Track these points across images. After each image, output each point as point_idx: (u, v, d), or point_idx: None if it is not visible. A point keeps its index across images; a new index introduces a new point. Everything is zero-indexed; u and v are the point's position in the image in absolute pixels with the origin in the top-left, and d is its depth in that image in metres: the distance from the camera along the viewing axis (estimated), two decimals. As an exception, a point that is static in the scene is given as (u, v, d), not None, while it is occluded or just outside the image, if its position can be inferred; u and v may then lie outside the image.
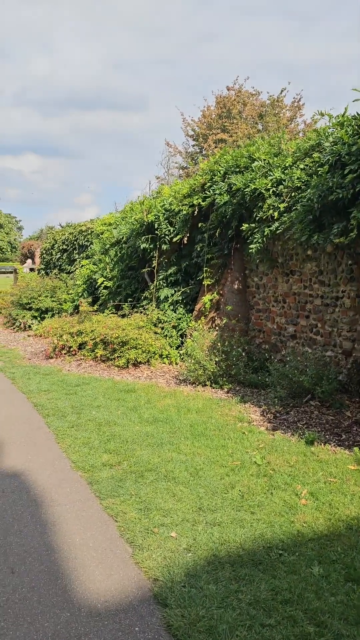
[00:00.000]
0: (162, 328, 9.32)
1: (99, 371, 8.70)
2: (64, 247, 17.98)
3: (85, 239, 15.96)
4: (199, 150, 34.75)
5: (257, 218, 7.33)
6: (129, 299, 10.90)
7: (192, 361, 7.58)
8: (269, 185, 7.14)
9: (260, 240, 7.23)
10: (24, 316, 13.52)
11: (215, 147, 31.98)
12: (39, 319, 13.68)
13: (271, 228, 6.95)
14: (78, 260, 16.41)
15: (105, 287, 11.66)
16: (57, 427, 5.89)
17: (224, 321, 8.28)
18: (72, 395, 7.17)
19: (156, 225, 9.52)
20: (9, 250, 27.14)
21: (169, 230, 9.45)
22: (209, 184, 8.45)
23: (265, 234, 7.10)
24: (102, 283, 11.60)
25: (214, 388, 7.36)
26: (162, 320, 9.35)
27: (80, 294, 12.96)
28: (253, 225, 7.45)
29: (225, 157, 8.36)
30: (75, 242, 16.88)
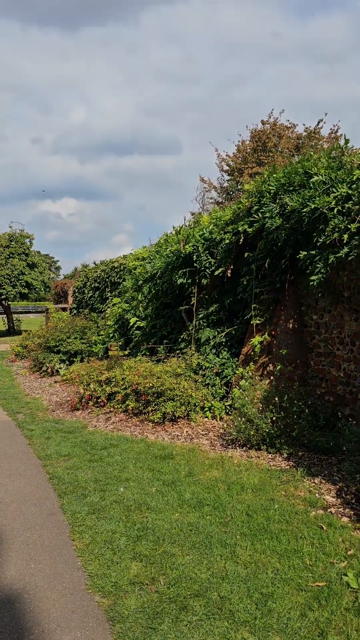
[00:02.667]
0: (204, 375, 7.99)
1: (130, 427, 7.39)
2: (96, 284, 17.04)
3: (118, 276, 14.96)
4: (235, 184, 34.04)
5: (317, 244, 6.03)
6: (165, 341, 9.65)
7: (243, 419, 6.19)
8: (333, 203, 5.86)
9: (323, 270, 5.90)
10: (52, 360, 12.44)
11: (251, 180, 31.12)
12: (67, 362, 12.57)
13: (339, 254, 5.62)
14: (110, 298, 15.40)
15: (138, 328, 10.47)
16: (74, 512, 4.57)
17: (279, 367, 6.90)
18: (97, 463, 5.87)
19: (195, 257, 8.32)
20: (42, 289, 26.47)
21: (210, 263, 8.23)
22: (256, 207, 7.23)
23: (330, 261, 5.77)
24: (134, 323, 10.42)
25: (270, 453, 5.93)
26: (203, 367, 8.03)
27: (111, 336, 11.81)
28: (313, 252, 6.14)
29: (275, 175, 7.15)
30: (107, 280, 15.90)
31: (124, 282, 13.05)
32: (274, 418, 5.93)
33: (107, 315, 12.72)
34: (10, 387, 11.39)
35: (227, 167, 34.14)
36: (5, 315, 28.09)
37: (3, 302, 26.24)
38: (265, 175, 7.35)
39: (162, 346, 9.48)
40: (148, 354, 9.76)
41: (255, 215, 7.15)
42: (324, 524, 4.11)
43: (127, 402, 7.92)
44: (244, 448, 6.18)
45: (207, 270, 8.27)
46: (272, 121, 33.18)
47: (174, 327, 9.87)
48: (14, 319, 28.19)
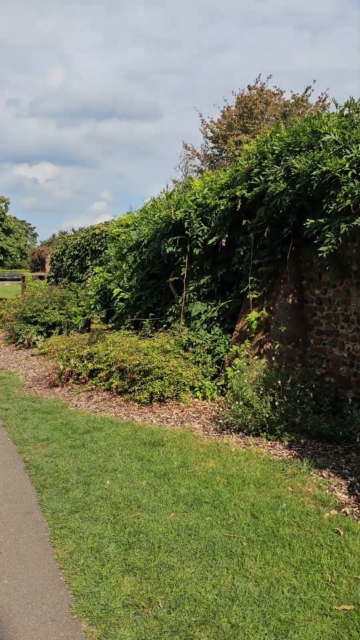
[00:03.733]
0: (194, 352, 7.43)
1: (114, 408, 6.82)
2: (76, 252, 16.22)
3: (99, 244, 14.18)
4: (218, 153, 33.05)
5: (328, 211, 5.43)
6: (151, 314, 9.04)
7: (240, 402, 5.67)
8: (347, 165, 5.24)
9: (333, 241, 5.31)
10: (28, 331, 11.72)
11: (236, 148, 30.24)
12: (45, 334, 11.87)
13: (354, 223, 5.04)
14: (91, 267, 14.63)
15: (122, 300, 9.81)
16: (54, 510, 4.01)
17: (277, 346, 6.36)
18: (79, 450, 5.29)
19: (186, 224, 7.66)
20: (18, 256, 25.49)
21: (203, 230, 7.58)
22: (256, 169, 6.58)
23: (342, 231, 5.19)
24: (118, 294, 9.75)
25: (269, 440, 5.43)
26: (194, 343, 7.46)
27: (92, 307, 11.13)
28: (322, 220, 5.54)
29: (279, 134, 6.48)
30: (87, 247, 15.10)
31: (106, 250, 12.30)
32: (276, 403, 5.41)
33: (87, 285, 12.01)
34: (-16, 359, 10.69)
35: (212, 134, 33.05)
36: (-21, 283, 27.04)
37: (-23, 268, 25.16)
38: (268, 135, 6.67)
39: (147, 320, 8.87)
40: (132, 327, 9.14)
41: (256, 179, 6.50)
42: (341, 529, 3.63)
43: (110, 380, 7.33)
44: (240, 434, 5.67)
45: (200, 238, 7.62)
46: (259, 87, 32.04)
47: (161, 299, 9.25)
48: (-11, 286, 27.15)
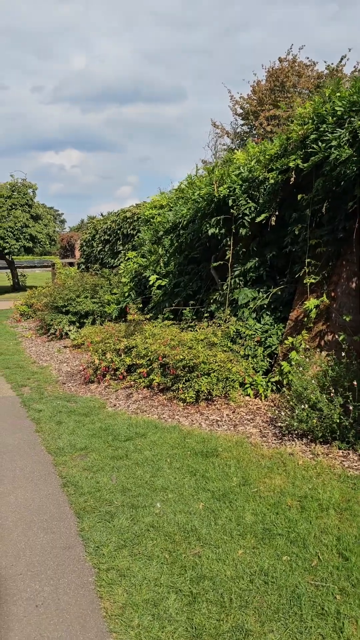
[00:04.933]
0: (242, 345, 6.69)
1: (157, 408, 6.17)
2: (106, 237, 15.56)
3: (131, 227, 13.47)
4: (248, 130, 31.82)
5: None
6: (191, 302, 8.31)
7: (304, 405, 4.92)
8: None
9: None
10: (60, 322, 11.16)
11: (268, 124, 28.99)
12: (77, 324, 11.30)
13: None
14: (123, 252, 13.97)
15: (159, 287, 9.11)
16: (98, 544, 3.37)
17: (342, 337, 5.57)
18: (122, 461, 4.65)
19: (231, 202, 6.86)
20: (47, 243, 24.98)
21: (250, 208, 6.78)
22: (313, 135, 5.73)
23: None
24: (154, 281, 9.05)
25: (341, 449, 4.68)
26: (242, 334, 6.71)
27: (126, 295, 10.46)
28: None
29: (339, 93, 5.60)
30: (118, 231, 14.42)
31: (139, 234, 11.59)
32: (350, 406, 4.64)
33: (120, 272, 11.34)
34: (15, 352, 10.18)
35: (241, 110, 31.76)
36: (9, 271, 26.76)
37: (7, 256, 24.83)
38: (327, 94, 5.79)
39: (188, 308, 8.15)
40: (172, 317, 8.44)
41: (314, 146, 5.65)
42: None
43: (151, 376, 6.67)
44: (304, 440, 4.93)
45: (247, 217, 6.82)
46: (290, 59, 30.56)
47: (201, 285, 8.50)
48: (19, 274, 26.87)
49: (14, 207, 23.33)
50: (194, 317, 8.12)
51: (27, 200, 23.93)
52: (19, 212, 23.23)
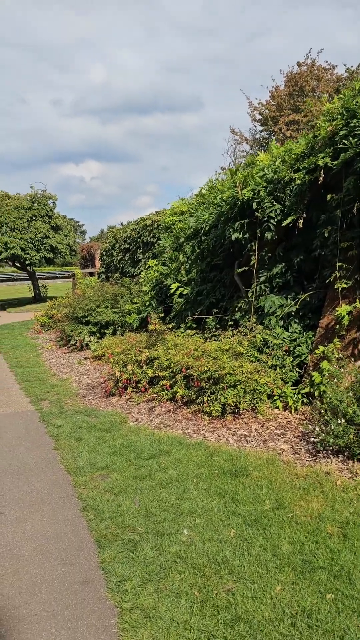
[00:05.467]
0: (269, 354, 6.35)
1: (181, 423, 5.86)
2: (126, 246, 15.38)
3: (151, 235, 13.25)
4: (267, 135, 31.53)
5: None
6: (214, 310, 8.00)
7: (341, 420, 4.56)
8: None
9: None
10: (80, 332, 10.95)
11: (287, 129, 28.69)
12: (97, 335, 11.08)
13: None
14: (143, 260, 13.75)
15: (181, 295, 8.83)
16: (121, 579, 3.06)
17: (377, 346, 5.20)
18: (145, 481, 4.34)
19: (255, 205, 6.55)
20: (68, 253, 24.97)
21: (275, 211, 6.46)
22: (343, 131, 5.40)
23: None
24: (176, 290, 8.77)
25: (382, 467, 4.30)
26: (269, 343, 6.37)
27: (147, 304, 10.21)
28: None
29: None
30: (138, 240, 14.21)
31: (159, 242, 11.35)
32: (391, 422, 4.28)
33: (141, 280, 11.10)
34: (35, 364, 9.99)
35: (260, 116, 31.50)
36: (31, 282, 26.80)
37: (28, 267, 24.86)
38: (357, 87, 5.46)
39: (211, 317, 7.84)
40: (194, 326, 8.14)
41: (345, 142, 5.32)
42: None
43: (174, 389, 6.37)
44: (341, 457, 4.57)
45: (272, 220, 6.51)
46: (309, 63, 30.25)
47: (225, 293, 8.19)
48: (40, 285, 26.90)
49: (34, 218, 23.37)
50: (218, 325, 7.81)
51: (47, 211, 23.96)
52: (39, 223, 23.25)
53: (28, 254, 22.73)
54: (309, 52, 32.47)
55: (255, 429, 5.46)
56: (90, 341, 10.81)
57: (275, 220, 6.49)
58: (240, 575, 3.02)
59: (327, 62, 33.68)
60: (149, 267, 10.65)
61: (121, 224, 24.09)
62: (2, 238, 22.18)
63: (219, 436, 5.37)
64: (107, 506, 3.95)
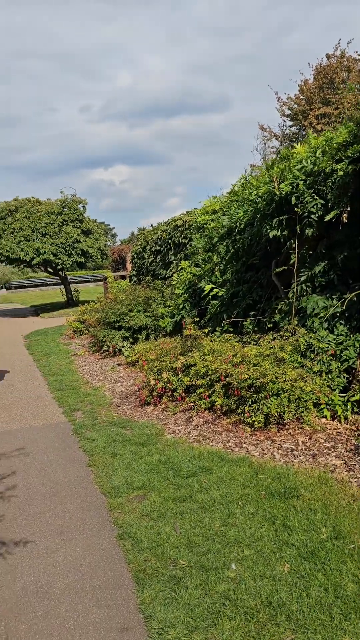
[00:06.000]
0: (313, 359, 5.92)
1: (221, 435, 5.48)
2: (157, 247, 15.08)
3: (182, 236, 12.91)
4: (297, 130, 30.82)
5: None
6: (251, 312, 7.60)
7: None
8: None
9: None
10: (113, 338, 10.69)
11: (318, 123, 27.97)
12: (130, 340, 10.80)
13: None
14: (175, 262, 13.42)
15: (215, 297, 8.45)
16: (164, 625, 2.72)
17: None
18: (186, 504, 3.99)
19: (294, 200, 6.12)
20: (99, 257, 24.89)
21: (317, 205, 6.01)
22: (391, 115, 4.93)
23: None
24: (210, 291, 8.40)
25: None
26: (313, 347, 5.94)
27: (180, 307, 9.86)
28: None
29: None
30: (169, 241, 13.89)
31: (191, 242, 11.00)
32: None
33: (173, 283, 10.77)
34: (68, 372, 9.77)
35: (289, 111, 30.83)
36: (63, 286, 26.85)
37: (60, 272, 24.88)
38: None
39: (248, 320, 7.44)
40: (231, 329, 7.75)
41: (394, 126, 4.85)
42: None
43: (212, 397, 6.00)
44: None
45: (313, 215, 6.06)
46: (338, 54, 29.44)
47: (262, 294, 7.77)
48: (73, 289, 26.91)
49: (65, 223, 23.36)
50: (256, 328, 7.40)
51: (78, 215, 23.92)
52: (70, 227, 23.23)
53: (60, 258, 22.72)
54: (338, 43, 31.54)
55: (303, 442, 5.04)
56: (123, 347, 10.54)
57: (317, 215, 6.04)
58: (299, 623, 2.63)
59: (357, 52, 32.72)
60: (182, 268, 10.31)
61: (151, 225, 23.86)
62: (34, 244, 22.24)
63: (263, 450, 4.97)
64: (146, 534, 3.61)
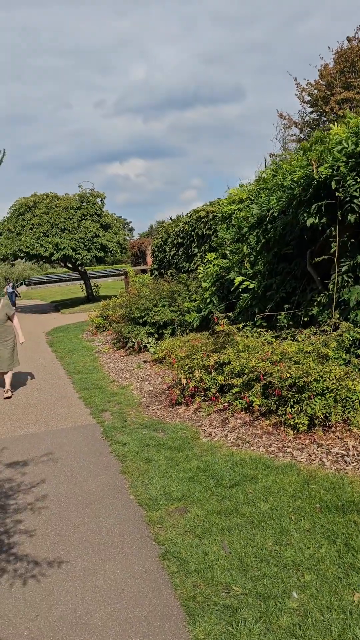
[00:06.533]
0: (355, 354, 5.51)
1: (261, 438, 5.12)
2: (179, 240, 14.70)
3: (207, 227, 12.50)
4: (317, 117, 30.06)
5: None
6: (286, 306, 7.19)
7: None
8: None
9: None
10: (138, 334, 10.37)
11: (340, 108, 27.22)
12: (156, 335, 10.46)
13: None
14: (199, 255, 13.02)
15: (246, 290, 8.05)
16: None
17: None
18: (232, 518, 3.64)
19: (334, 184, 5.69)
20: (118, 251, 24.59)
21: (359, 190, 5.56)
22: None
23: None
24: (240, 284, 8.01)
25: None
26: (357, 342, 5.53)
27: (208, 301, 9.49)
28: None
29: None
30: (192, 233, 13.50)
31: (217, 234, 10.59)
32: None
33: (200, 276, 10.38)
34: (93, 370, 9.48)
35: (309, 97, 30.06)
36: (82, 282, 26.64)
37: (79, 267, 24.67)
38: None
39: (283, 314, 7.04)
40: (264, 324, 7.36)
41: None
42: None
43: (250, 397, 5.62)
44: None
45: (356, 200, 5.63)
46: (359, 36, 28.60)
47: (296, 286, 7.35)
48: (92, 284, 26.69)
49: (83, 217, 23.09)
50: (291, 322, 7.00)
51: (96, 209, 23.63)
52: (88, 222, 22.95)
53: (79, 254, 22.48)
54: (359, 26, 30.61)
55: (353, 446, 4.64)
56: (148, 343, 10.21)
57: (360, 199, 5.60)
58: (382, 668, 2.26)
59: (379, 34, 31.73)
60: (208, 260, 9.92)
61: (170, 218, 23.48)
62: (54, 239, 22.02)
63: (310, 456, 4.59)
64: (191, 554, 3.27)
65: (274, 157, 32.18)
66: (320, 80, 29.40)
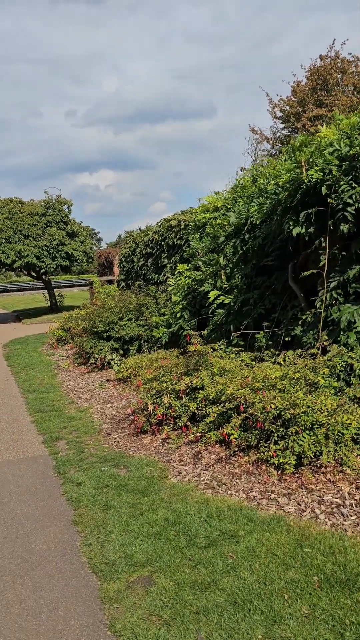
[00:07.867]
0: (348, 382, 4.85)
1: (240, 479, 4.37)
2: (148, 250, 13.97)
3: (178, 237, 11.80)
4: (289, 133, 29.99)
5: None
6: (264, 324, 6.51)
7: None
8: None
9: None
10: (101, 349, 9.54)
11: (311, 125, 27.17)
12: (120, 351, 9.65)
13: None
14: (168, 266, 12.31)
15: (221, 305, 7.35)
16: None
17: None
18: (209, 595, 2.86)
19: (324, 190, 5.05)
20: (84, 261, 23.68)
21: (355, 196, 4.95)
22: None
23: None
24: (215, 298, 7.30)
25: None
26: (348, 368, 4.87)
27: (178, 315, 8.75)
28: None
29: None
30: (162, 243, 12.78)
31: (189, 244, 9.90)
32: None
33: (170, 289, 9.65)
34: (50, 388, 8.59)
35: (281, 114, 30.04)
36: (46, 291, 25.58)
37: (43, 276, 23.63)
38: None
39: (262, 332, 6.36)
40: (241, 342, 6.66)
41: None
42: None
43: (227, 430, 4.88)
44: None
45: (350, 207, 5.00)
46: (332, 55, 28.78)
47: (276, 302, 6.70)
48: (57, 294, 25.64)
49: (49, 224, 22.13)
50: (270, 342, 6.33)
51: (63, 217, 22.70)
52: (54, 229, 22.00)
53: (43, 262, 21.49)
54: (333, 44, 30.79)
55: (349, 494, 3.94)
56: (112, 359, 9.40)
57: (354, 207, 4.98)
58: None
59: (350, 54, 31.93)
60: (180, 272, 9.20)
61: (139, 228, 22.74)
62: (16, 246, 20.98)
63: (300, 505, 3.86)
64: (157, 652, 2.48)
65: (244, 170, 31.84)
66: (292, 97, 29.41)
